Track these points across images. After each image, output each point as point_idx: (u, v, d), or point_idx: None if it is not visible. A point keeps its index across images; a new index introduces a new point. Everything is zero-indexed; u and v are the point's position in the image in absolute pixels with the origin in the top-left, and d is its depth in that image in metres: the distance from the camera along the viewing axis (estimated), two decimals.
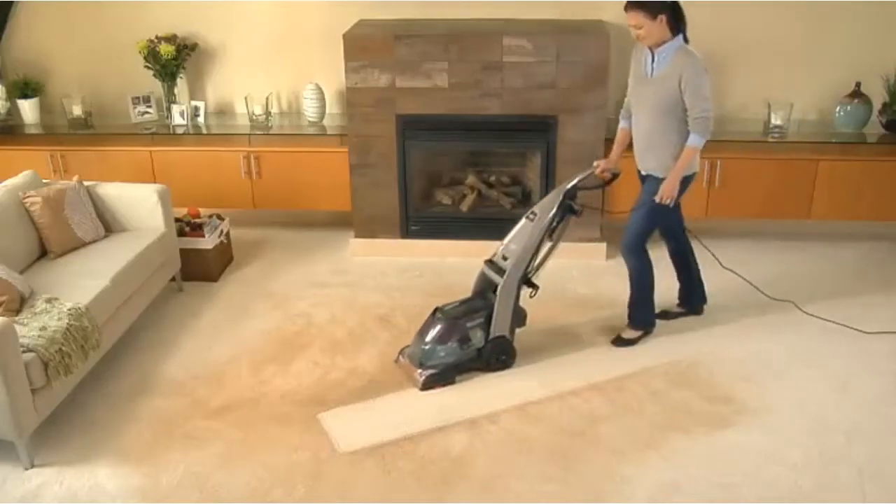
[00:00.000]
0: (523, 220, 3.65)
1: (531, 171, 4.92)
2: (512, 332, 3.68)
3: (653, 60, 3.50)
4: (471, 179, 5.00)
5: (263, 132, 5.03)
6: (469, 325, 3.57)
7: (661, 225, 3.86)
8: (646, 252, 3.76)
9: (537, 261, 3.70)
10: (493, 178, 5.03)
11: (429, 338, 3.55)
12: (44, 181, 4.16)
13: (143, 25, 5.04)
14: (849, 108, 4.71)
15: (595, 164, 3.80)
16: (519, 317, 3.72)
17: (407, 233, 4.88)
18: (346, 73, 4.54)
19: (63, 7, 5.11)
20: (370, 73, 4.52)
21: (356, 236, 4.92)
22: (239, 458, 3.15)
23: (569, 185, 3.65)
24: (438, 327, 3.56)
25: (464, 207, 4.90)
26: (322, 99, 5.00)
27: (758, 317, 4.11)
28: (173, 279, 4.43)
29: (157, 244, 4.12)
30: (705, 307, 4.12)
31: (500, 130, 4.62)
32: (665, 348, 3.85)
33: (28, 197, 3.93)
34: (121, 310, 3.75)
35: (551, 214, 3.61)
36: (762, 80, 4.87)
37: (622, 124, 3.81)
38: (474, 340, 3.59)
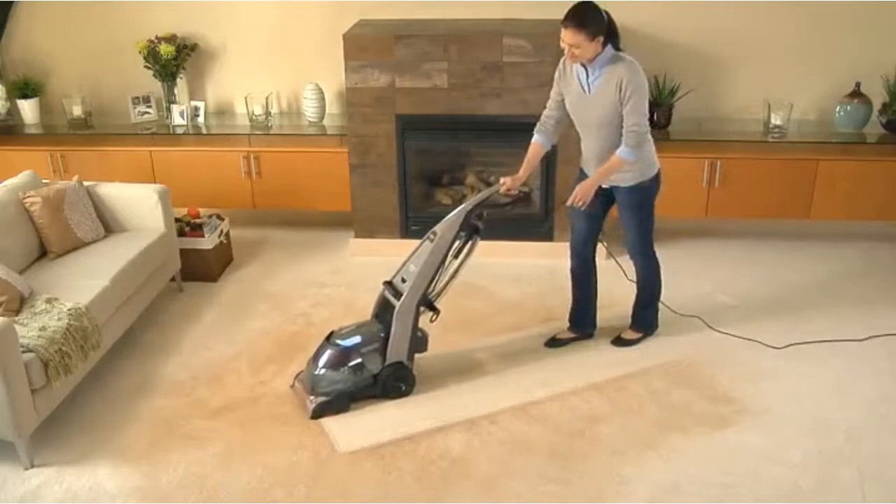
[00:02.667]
0: (424, 241, 3.48)
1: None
2: (410, 357, 3.49)
3: (587, 77, 3.34)
4: (471, 179, 5.00)
5: (263, 132, 5.03)
6: (364, 350, 3.39)
7: (652, 227, 3.68)
8: (654, 254, 3.72)
9: (441, 283, 3.50)
10: (493, 178, 5.03)
11: (321, 363, 3.37)
12: (44, 181, 4.16)
13: (143, 25, 5.04)
14: (849, 108, 4.71)
15: (501, 181, 3.56)
16: (419, 342, 3.52)
17: (407, 233, 4.88)
18: (345, 73, 4.54)
19: (63, 7, 5.12)
20: (370, 73, 4.53)
21: (356, 236, 4.92)
22: (239, 458, 3.15)
23: (471, 205, 3.47)
24: (329, 352, 3.37)
25: None
26: (322, 99, 5.00)
27: (758, 317, 4.11)
28: (173, 279, 4.43)
29: (157, 244, 4.12)
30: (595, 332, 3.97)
31: (500, 130, 4.62)
32: (665, 348, 3.85)
33: (28, 197, 3.93)
34: (121, 310, 3.75)
35: (453, 234, 3.44)
36: (762, 80, 4.87)
37: (536, 139, 3.59)
38: (370, 366, 3.40)
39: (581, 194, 3.40)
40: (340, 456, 3.15)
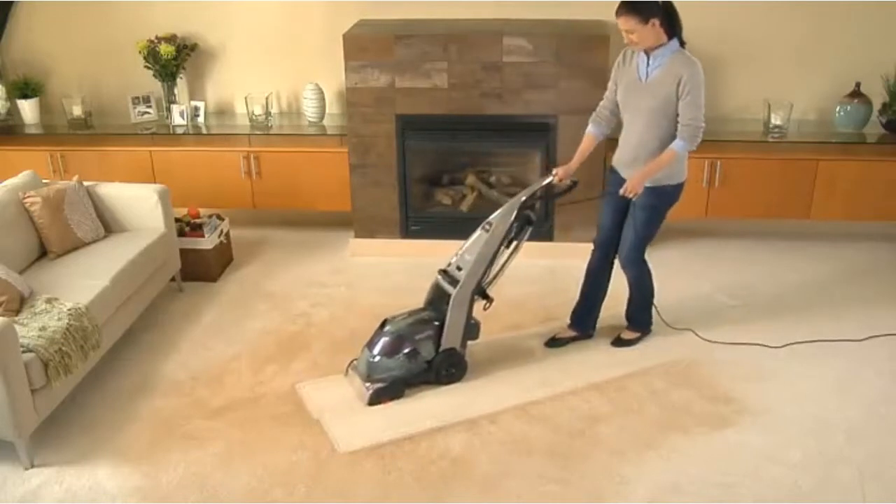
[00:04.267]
0: (479, 231, 3.54)
1: (531, 171, 4.92)
2: (464, 344, 3.57)
3: (647, 64, 3.39)
4: (471, 179, 5.00)
5: (263, 132, 5.03)
6: (418, 337, 3.46)
7: (654, 234, 3.68)
8: (645, 262, 3.71)
9: (493, 272, 3.59)
10: (493, 178, 5.03)
11: (376, 350, 3.44)
12: (44, 181, 4.16)
13: (143, 25, 5.04)
14: (849, 108, 4.71)
15: (553, 171, 3.64)
16: (472, 329, 3.60)
17: (407, 233, 4.88)
18: (346, 73, 4.54)
19: (63, 7, 5.11)
20: (370, 73, 4.53)
21: (356, 236, 4.92)
22: (239, 458, 3.15)
23: (525, 196, 3.55)
24: (386, 340, 3.45)
25: (464, 207, 4.90)
26: (322, 99, 5.00)
27: (758, 317, 4.11)
28: (173, 279, 4.43)
29: (157, 244, 4.12)
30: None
31: (500, 130, 4.62)
32: (665, 348, 3.85)
33: (28, 197, 3.93)
34: (121, 310, 3.75)
35: (507, 225, 3.51)
36: (762, 80, 4.87)
37: (590, 130, 3.64)
38: (424, 353, 3.48)
39: (632, 186, 3.42)
40: (340, 456, 3.15)
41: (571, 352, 3.84)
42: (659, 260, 4.39)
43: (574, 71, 4.43)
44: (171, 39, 4.99)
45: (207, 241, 4.51)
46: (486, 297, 3.60)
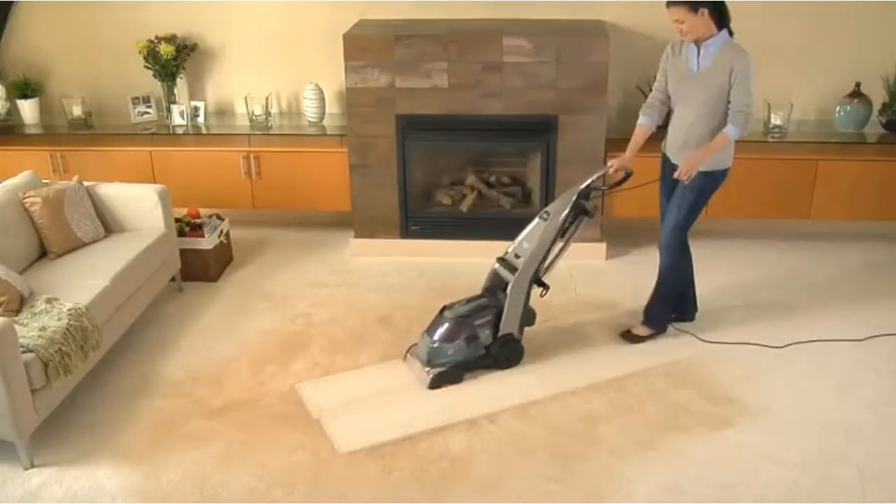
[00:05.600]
0: (536, 220, 3.67)
1: (531, 171, 4.92)
2: (521, 330, 3.69)
3: (698, 55, 3.49)
4: (471, 179, 5.00)
5: (263, 132, 5.03)
6: (477, 323, 3.58)
7: (696, 218, 3.77)
8: (687, 248, 3.77)
9: (548, 261, 3.70)
10: (493, 178, 5.03)
11: (437, 336, 3.56)
12: (43, 181, 4.16)
13: (143, 25, 5.04)
14: (849, 108, 4.71)
15: (609, 163, 3.77)
16: (528, 315, 3.72)
17: (407, 233, 4.88)
18: (345, 73, 4.54)
19: (63, 7, 5.11)
20: (370, 73, 4.53)
21: (356, 236, 4.92)
22: (239, 458, 3.15)
23: (582, 186, 3.65)
24: (446, 325, 3.56)
25: (464, 207, 4.90)
26: (322, 99, 5.00)
27: (758, 317, 4.11)
28: (173, 279, 4.43)
29: (157, 244, 4.12)
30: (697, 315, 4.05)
31: (500, 130, 4.62)
32: (665, 348, 3.85)
33: (28, 197, 3.93)
34: (121, 310, 3.75)
35: (564, 214, 3.61)
36: (762, 80, 4.81)
37: (642, 121, 3.74)
38: (482, 338, 3.60)
39: (687, 169, 3.51)
40: (340, 456, 3.15)
41: (571, 352, 3.84)
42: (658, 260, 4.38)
43: (574, 71, 4.43)
44: (170, 39, 4.98)
45: (207, 241, 4.51)
46: (542, 284, 3.72)
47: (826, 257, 4.79)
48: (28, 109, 5.18)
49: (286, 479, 3.04)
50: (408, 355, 3.71)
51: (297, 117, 5.20)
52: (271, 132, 5.05)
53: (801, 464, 3.08)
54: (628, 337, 3.89)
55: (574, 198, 3.63)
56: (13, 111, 5.24)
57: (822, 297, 4.31)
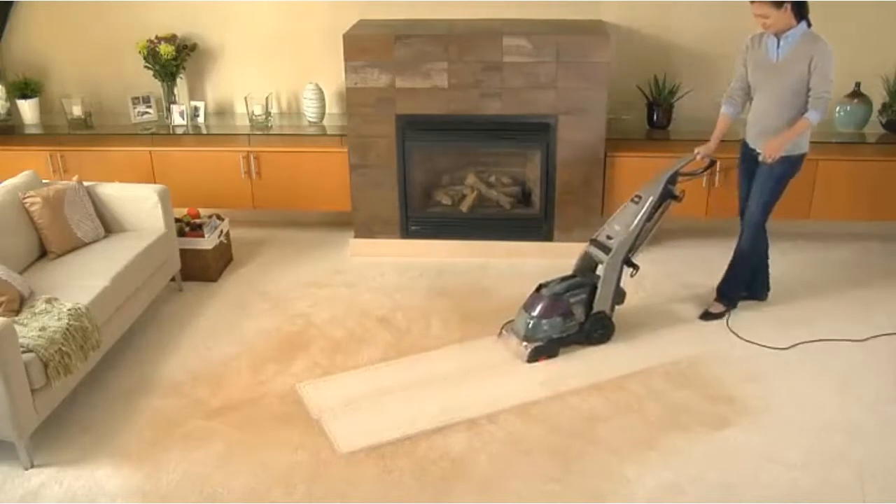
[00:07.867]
0: (628, 203, 3.83)
1: (531, 171, 4.92)
2: (612, 308, 3.85)
3: (778, 46, 3.65)
4: (471, 179, 5.00)
5: (263, 132, 5.03)
6: (573, 300, 3.74)
7: (776, 202, 3.92)
8: (764, 232, 3.96)
9: (637, 243, 3.85)
10: (493, 178, 5.03)
11: (535, 312, 3.70)
12: (43, 181, 4.16)
13: (142, 25, 5.04)
14: (849, 108, 4.71)
15: (696, 151, 3.93)
16: (619, 294, 3.88)
17: (407, 233, 4.88)
18: (345, 73, 4.54)
19: (63, 7, 5.11)
20: (370, 73, 4.52)
21: (356, 236, 4.92)
22: (239, 458, 3.15)
23: (671, 171, 3.82)
24: (544, 302, 3.71)
25: (464, 207, 4.90)
26: (322, 99, 5.00)
27: (758, 317, 4.11)
28: (173, 279, 4.43)
29: (157, 244, 4.12)
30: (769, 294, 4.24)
31: (500, 130, 4.62)
32: (665, 348, 3.85)
33: (28, 197, 3.93)
34: (121, 310, 3.75)
35: (654, 197, 3.77)
36: None
37: (725, 110, 3.92)
38: (576, 315, 3.76)
39: (771, 151, 3.66)
40: (340, 456, 3.15)
41: (572, 352, 3.84)
42: (659, 260, 4.40)
43: (574, 71, 4.43)
44: (170, 39, 4.98)
45: (207, 241, 4.51)
46: (632, 264, 3.86)
47: (826, 257, 4.79)
48: (28, 109, 5.18)
49: (286, 479, 3.04)
50: (503, 331, 3.86)
51: (297, 117, 5.20)
52: (271, 132, 5.05)
53: (801, 464, 3.08)
54: (706, 316, 4.07)
55: (664, 182, 3.78)
56: (13, 111, 5.24)
57: (822, 297, 4.31)
